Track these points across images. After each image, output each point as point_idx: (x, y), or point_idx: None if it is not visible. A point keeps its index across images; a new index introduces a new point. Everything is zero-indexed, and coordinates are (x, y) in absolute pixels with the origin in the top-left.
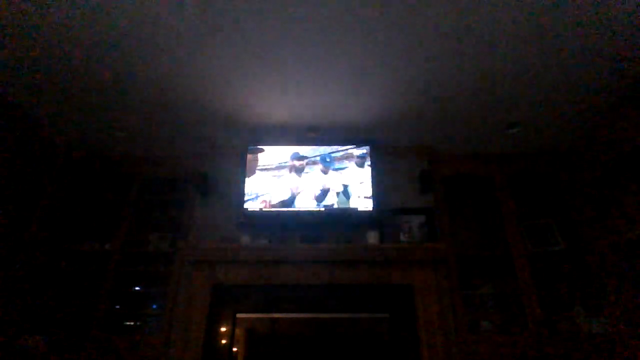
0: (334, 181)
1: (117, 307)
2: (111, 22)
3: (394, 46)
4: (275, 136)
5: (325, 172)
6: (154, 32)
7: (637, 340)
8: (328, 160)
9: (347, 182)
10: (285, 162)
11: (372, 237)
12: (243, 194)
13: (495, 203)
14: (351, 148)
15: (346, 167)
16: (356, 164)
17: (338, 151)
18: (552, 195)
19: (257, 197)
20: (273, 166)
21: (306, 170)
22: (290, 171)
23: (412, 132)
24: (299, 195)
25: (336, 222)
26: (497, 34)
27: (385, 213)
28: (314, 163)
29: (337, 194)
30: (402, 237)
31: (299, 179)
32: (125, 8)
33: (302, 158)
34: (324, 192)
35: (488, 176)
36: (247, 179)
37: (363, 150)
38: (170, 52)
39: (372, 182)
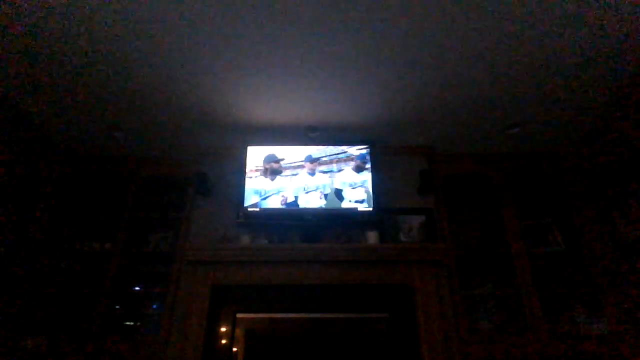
0: (323, 183)
1: (117, 307)
2: (111, 23)
3: (394, 46)
4: (274, 136)
5: (312, 173)
6: (153, 33)
7: (637, 340)
8: (323, 158)
9: (340, 185)
10: (297, 161)
11: (372, 237)
12: (243, 194)
13: (495, 203)
14: (350, 148)
15: (342, 170)
16: (352, 168)
17: (333, 154)
18: (552, 195)
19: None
20: (289, 165)
21: (301, 170)
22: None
23: (412, 132)
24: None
25: (336, 222)
26: (497, 34)
27: (385, 213)
28: (302, 166)
29: (326, 195)
30: (402, 237)
31: (296, 179)
32: (125, 9)
33: (309, 158)
34: (316, 192)
35: (488, 176)
36: (246, 179)
37: (362, 150)
38: (169, 53)
39: (372, 182)
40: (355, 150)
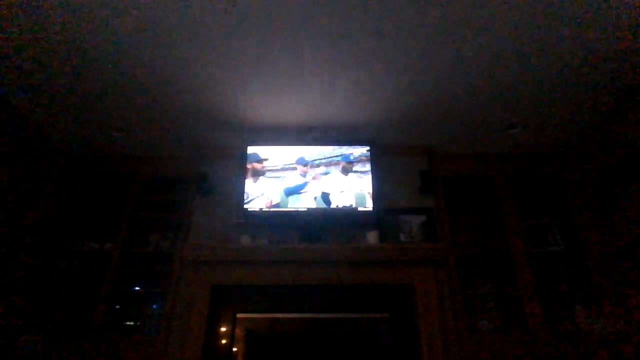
0: (314, 185)
1: (117, 307)
2: (111, 23)
3: (393, 46)
4: (275, 136)
5: (303, 175)
6: (153, 32)
7: (637, 340)
8: (311, 162)
9: (327, 188)
10: (288, 164)
11: (372, 237)
12: (243, 194)
13: (495, 203)
14: (350, 148)
15: (331, 172)
16: (340, 171)
17: (327, 156)
18: (552, 195)
19: (252, 199)
20: (277, 167)
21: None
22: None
23: (412, 132)
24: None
25: (336, 222)
26: (497, 34)
27: (385, 213)
28: (294, 168)
29: (315, 197)
30: (402, 237)
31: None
32: (125, 9)
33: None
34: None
35: (488, 176)
36: (246, 179)
37: (354, 152)
38: (169, 53)
39: (373, 182)
40: (357, 151)
